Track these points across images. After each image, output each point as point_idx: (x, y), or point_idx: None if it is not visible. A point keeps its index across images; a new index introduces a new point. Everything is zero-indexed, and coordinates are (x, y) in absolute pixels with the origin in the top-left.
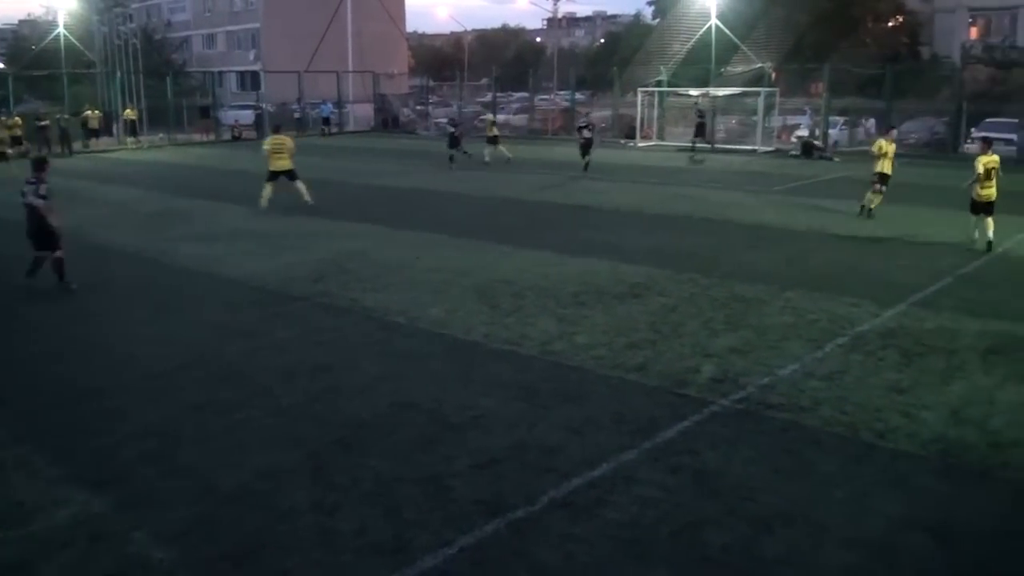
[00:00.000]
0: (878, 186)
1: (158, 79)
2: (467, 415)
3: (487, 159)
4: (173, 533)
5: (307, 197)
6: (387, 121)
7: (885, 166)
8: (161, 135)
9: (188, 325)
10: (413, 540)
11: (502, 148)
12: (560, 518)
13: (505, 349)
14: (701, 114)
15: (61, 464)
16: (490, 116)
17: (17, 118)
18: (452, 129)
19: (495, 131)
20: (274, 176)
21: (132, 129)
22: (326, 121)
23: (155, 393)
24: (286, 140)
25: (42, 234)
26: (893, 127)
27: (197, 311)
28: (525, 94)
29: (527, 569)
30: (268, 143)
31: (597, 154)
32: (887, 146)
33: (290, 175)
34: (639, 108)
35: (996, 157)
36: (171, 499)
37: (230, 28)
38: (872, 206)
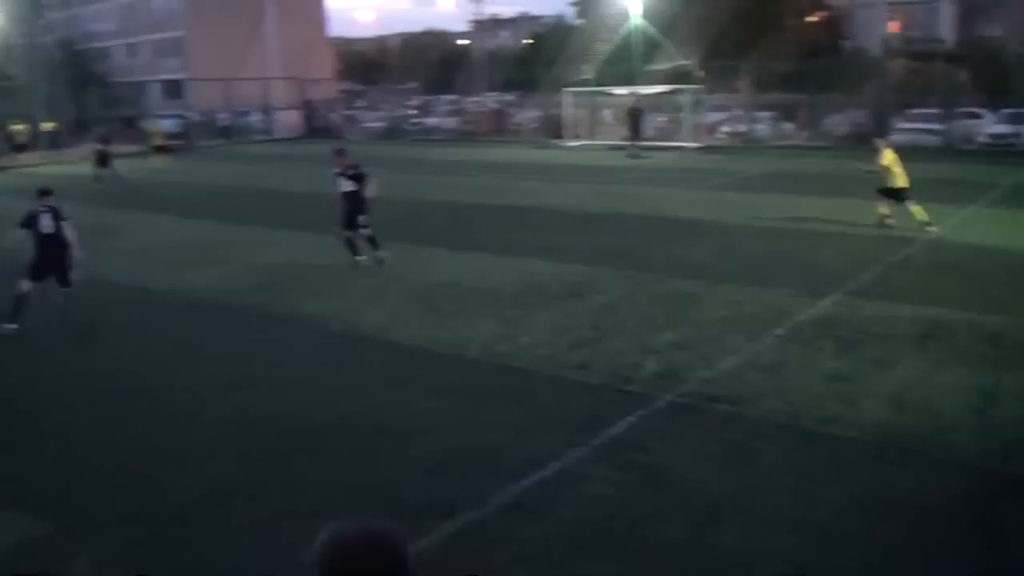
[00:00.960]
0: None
1: (81, 90)
2: (411, 420)
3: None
4: (112, 554)
5: None
6: (315, 127)
7: (898, 179)
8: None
9: (120, 339)
10: None
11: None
12: (511, 519)
13: (449, 353)
14: (636, 111)
15: None
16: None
17: None
18: (99, 146)
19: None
20: None
21: (53, 142)
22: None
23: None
24: None
25: (64, 267)
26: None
27: (127, 326)
28: (454, 96)
29: (484, 572)
30: None
31: (528, 155)
32: (890, 155)
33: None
34: (567, 108)
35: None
36: (110, 521)
37: (153, 36)
38: (924, 218)
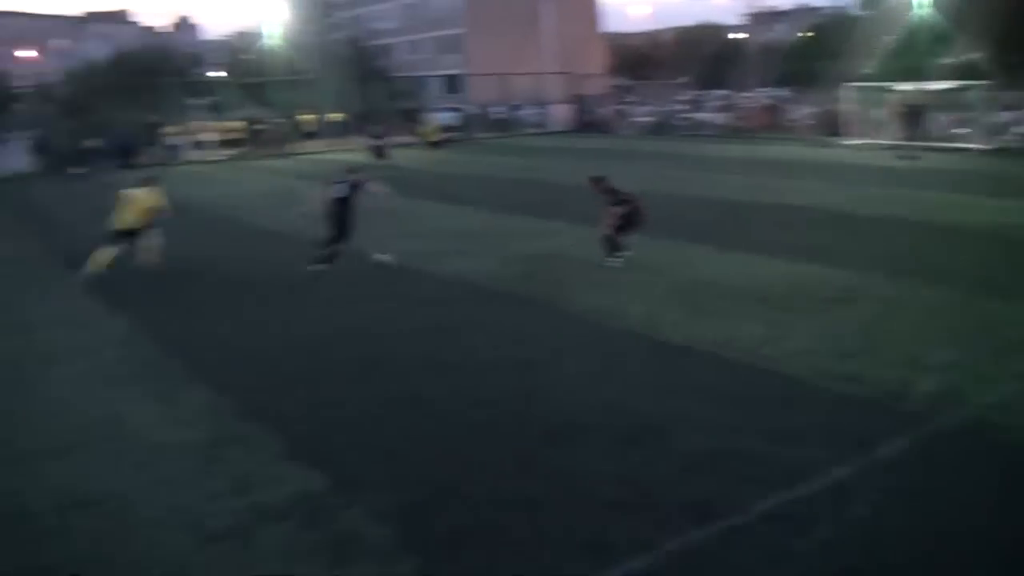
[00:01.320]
0: None
1: (365, 84)
2: (671, 417)
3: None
4: (389, 513)
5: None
6: (586, 121)
7: None
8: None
9: (394, 319)
10: (618, 540)
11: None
12: (768, 530)
13: (710, 352)
14: (915, 109)
15: (281, 443)
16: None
17: (238, 122)
18: (374, 142)
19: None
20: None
21: (342, 132)
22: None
23: (359, 379)
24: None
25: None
26: None
27: (407, 304)
28: (725, 91)
29: None
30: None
31: (801, 153)
32: None
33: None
34: (846, 104)
35: None
36: (384, 483)
37: (434, 33)
38: None
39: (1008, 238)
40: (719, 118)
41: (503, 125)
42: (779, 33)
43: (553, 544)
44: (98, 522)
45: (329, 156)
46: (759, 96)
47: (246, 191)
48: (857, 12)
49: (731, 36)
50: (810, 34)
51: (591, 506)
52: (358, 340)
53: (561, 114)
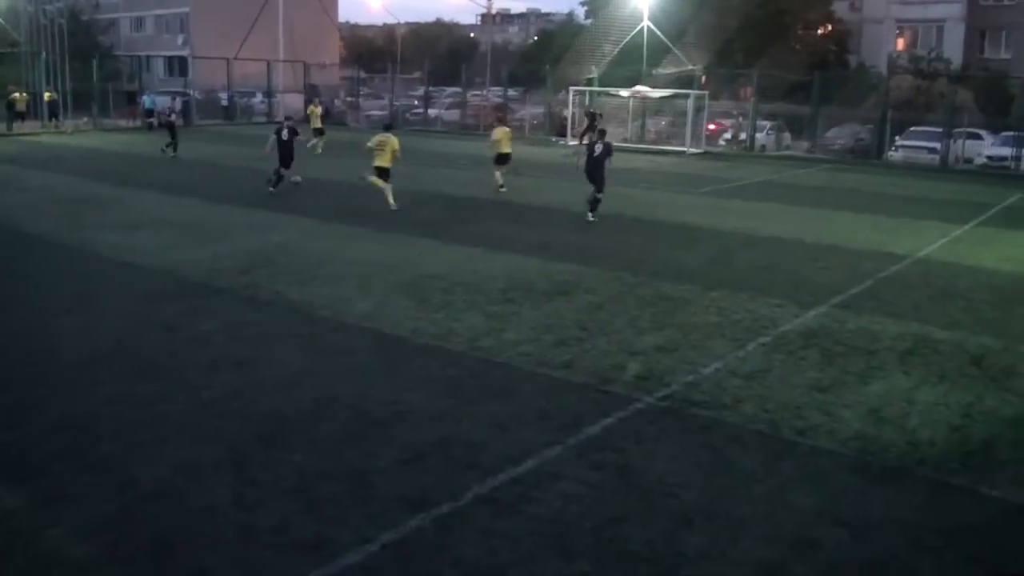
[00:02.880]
0: None
1: (83, 62)
2: (392, 410)
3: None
4: (91, 529)
5: (391, 201)
6: None
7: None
8: (86, 119)
9: (107, 317)
10: (335, 537)
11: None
12: (484, 514)
13: (433, 344)
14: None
15: None
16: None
17: None
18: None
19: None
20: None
21: (52, 112)
22: (149, 113)
23: (72, 386)
24: (391, 139)
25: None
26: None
27: (117, 302)
28: (458, 89)
29: (451, 565)
30: (373, 140)
31: (528, 152)
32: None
33: (384, 173)
34: (570, 107)
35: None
36: (88, 495)
37: (159, 12)
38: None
39: (713, 231)
40: (450, 115)
41: (230, 112)
42: (511, 35)
43: (267, 546)
44: None
45: (43, 139)
46: (489, 95)
47: None
48: (583, 21)
49: (465, 35)
50: (535, 39)
51: (308, 505)
52: (72, 339)
53: (291, 103)
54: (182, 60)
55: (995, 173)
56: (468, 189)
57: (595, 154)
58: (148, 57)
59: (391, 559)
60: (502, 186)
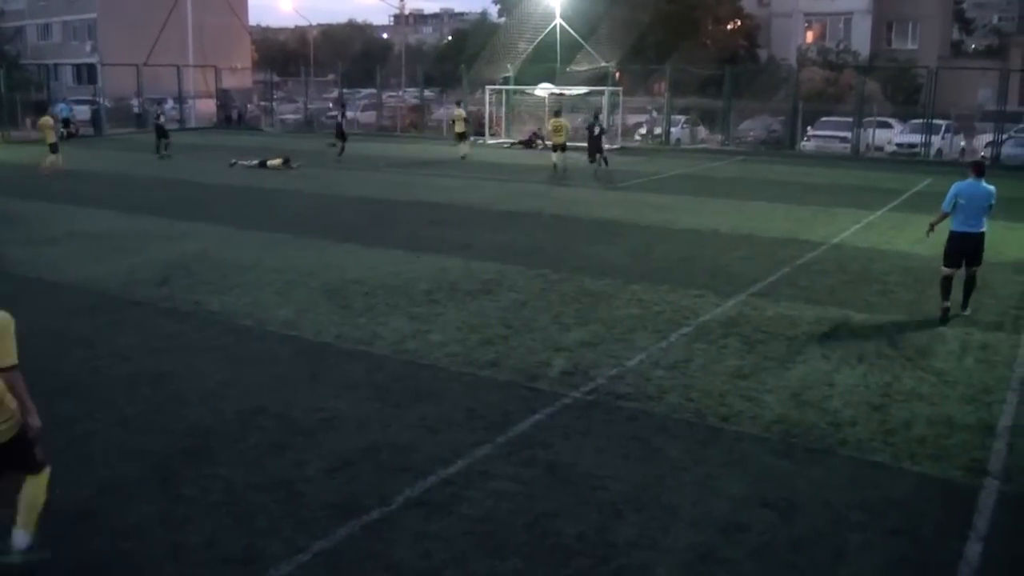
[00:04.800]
0: None
1: None
2: (318, 417)
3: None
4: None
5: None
6: (230, 117)
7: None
8: None
9: (23, 335)
10: (266, 549)
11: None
12: (416, 517)
13: (357, 349)
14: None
15: None
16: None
17: None
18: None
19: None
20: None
21: None
22: (66, 123)
23: None
24: (564, 122)
25: None
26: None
27: (34, 320)
28: (373, 90)
29: (384, 569)
30: (551, 124)
31: (447, 152)
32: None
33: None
34: (487, 105)
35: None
36: (10, 521)
37: (66, 18)
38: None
39: (632, 225)
40: (366, 117)
41: (142, 120)
42: (425, 36)
43: (198, 564)
44: None
45: None
46: (405, 96)
47: None
48: (496, 19)
49: (378, 36)
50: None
51: (237, 518)
52: None
53: (203, 109)
54: (91, 67)
55: (905, 160)
56: (387, 191)
57: (595, 134)
58: (56, 65)
59: (323, 568)
60: (556, 165)
